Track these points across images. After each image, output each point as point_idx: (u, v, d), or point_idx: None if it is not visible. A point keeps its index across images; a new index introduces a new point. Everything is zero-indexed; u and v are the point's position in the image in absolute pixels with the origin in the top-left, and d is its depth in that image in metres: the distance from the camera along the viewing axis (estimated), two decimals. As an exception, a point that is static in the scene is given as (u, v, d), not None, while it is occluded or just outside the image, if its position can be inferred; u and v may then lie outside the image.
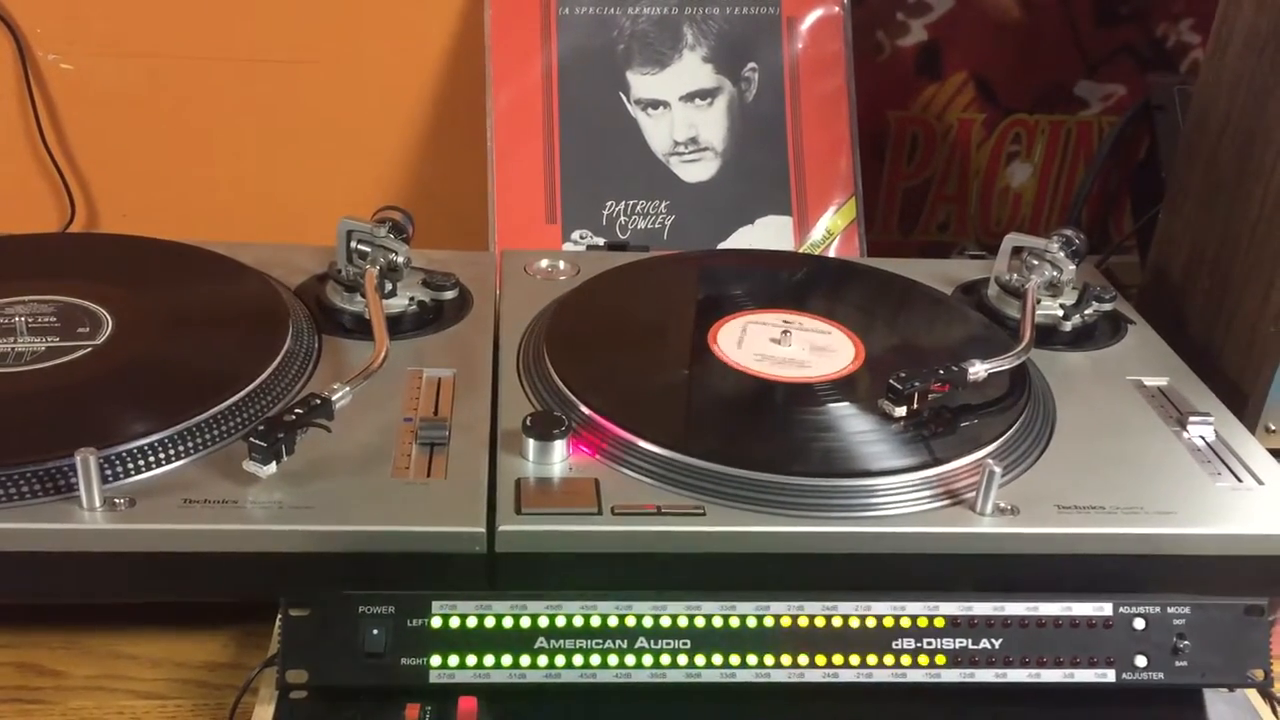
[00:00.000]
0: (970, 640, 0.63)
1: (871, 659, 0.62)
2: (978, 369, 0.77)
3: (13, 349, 0.77)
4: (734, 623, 0.62)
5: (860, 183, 1.12)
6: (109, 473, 0.67)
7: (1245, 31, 0.91)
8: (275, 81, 1.14)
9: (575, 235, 1.08)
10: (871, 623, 0.63)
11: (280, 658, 0.60)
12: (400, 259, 0.85)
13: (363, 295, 0.84)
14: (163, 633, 0.70)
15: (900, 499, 0.70)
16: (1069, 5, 1.21)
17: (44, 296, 0.82)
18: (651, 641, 0.61)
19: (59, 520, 0.65)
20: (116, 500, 0.66)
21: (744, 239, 1.10)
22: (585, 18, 1.09)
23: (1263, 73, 0.89)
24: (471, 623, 0.61)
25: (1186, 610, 0.64)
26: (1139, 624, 0.63)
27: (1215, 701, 0.65)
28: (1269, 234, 0.87)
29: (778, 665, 0.61)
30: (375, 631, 0.60)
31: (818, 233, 1.11)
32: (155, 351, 0.78)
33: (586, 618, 0.61)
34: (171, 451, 0.69)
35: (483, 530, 0.66)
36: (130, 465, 0.68)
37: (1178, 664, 0.63)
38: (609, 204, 1.09)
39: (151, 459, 0.68)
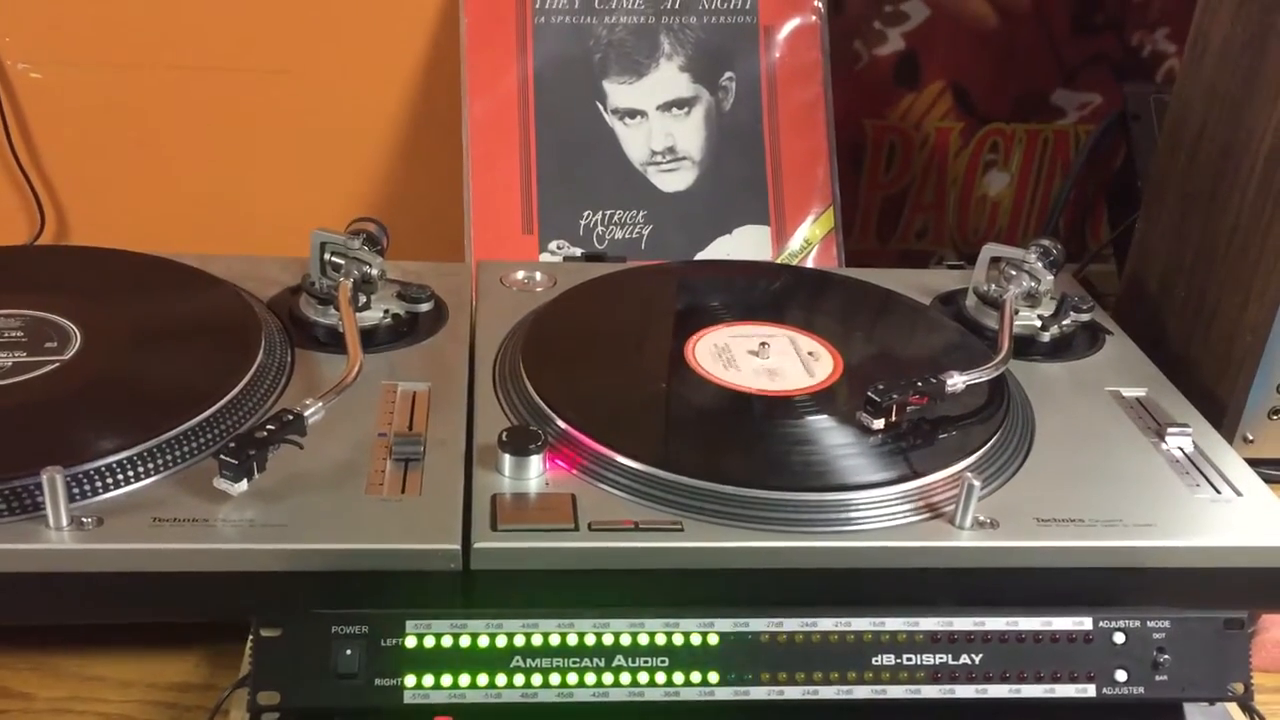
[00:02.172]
0: (950, 655, 0.62)
1: (851, 675, 0.61)
2: (956, 381, 0.76)
3: (-22, 364, 0.76)
4: (712, 640, 0.61)
5: (838, 192, 1.11)
6: (76, 491, 0.66)
7: (1221, 40, 0.91)
8: (248, 91, 1.13)
9: (552, 245, 1.07)
10: (851, 638, 0.62)
11: (252, 679, 0.59)
12: (374, 271, 0.85)
13: (336, 308, 0.83)
14: (132, 653, 0.69)
15: (879, 513, 0.69)
16: (1045, 14, 1.21)
17: (11, 310, 0.81)
18: (629, 660, 0.61)
19: (25, 540, 0.63)
20: (84, 519, 0.65)
21: (722, 249, 1.10)
22: (561, 27, 1.09)
23: (1239, 81, 0.89)
24: (446, 642, 0.60)
25: (1166, 624, 0.63)
26: (1119, 638, 0.63)
27: (1195, 715, 0.64)
28: (1246, 243, 0.87)
29: (757, 682, 0.61)
30: (348, 651, 0.59)
31: (796, 242, 1.11)
32: (124, 366, 0.77)
33: (563, 636, 0.61)
34: (140, 469, 0.68)
35: (458, 547, 0.65)
36: (98, 483, 0.67)
37: (1158, 678, 0.63)
38: (586, 214, 1.08)
39: (120, 477, 0.67)
